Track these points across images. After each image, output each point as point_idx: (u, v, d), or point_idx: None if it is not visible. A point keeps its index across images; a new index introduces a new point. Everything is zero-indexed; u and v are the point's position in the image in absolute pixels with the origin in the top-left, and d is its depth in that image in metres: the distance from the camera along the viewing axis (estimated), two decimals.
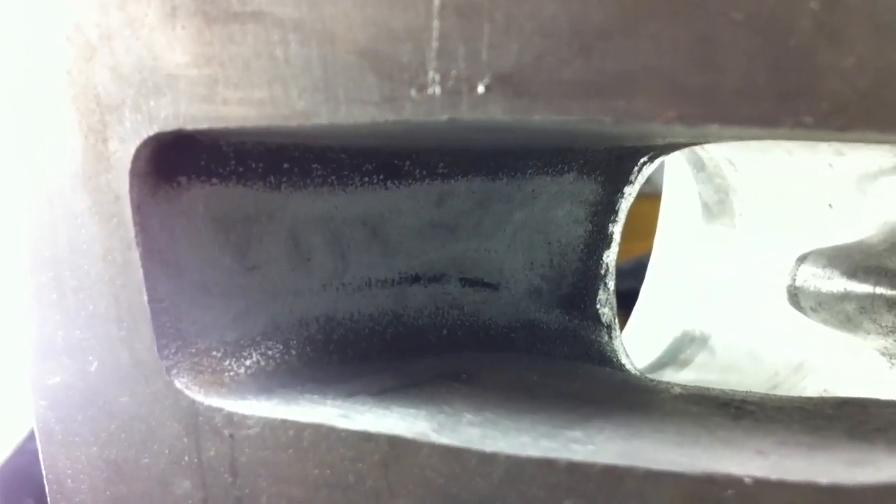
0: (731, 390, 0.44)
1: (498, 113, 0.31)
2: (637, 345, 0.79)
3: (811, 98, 0.27)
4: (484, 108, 0.31)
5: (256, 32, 0.34)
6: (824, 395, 0.70)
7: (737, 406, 0.40)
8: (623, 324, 0.59)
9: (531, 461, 0.33)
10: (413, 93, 0.32)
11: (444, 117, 0.32)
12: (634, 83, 0.29)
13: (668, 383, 0.47)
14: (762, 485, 0.30)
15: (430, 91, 0.32)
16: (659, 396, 0.44)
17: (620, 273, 0.59)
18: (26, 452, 0.88)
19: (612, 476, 0.31)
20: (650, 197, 0.60)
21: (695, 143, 0.64)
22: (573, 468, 0.32)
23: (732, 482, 0.30)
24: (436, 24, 0.31)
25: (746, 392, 0.43)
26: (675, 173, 0.83)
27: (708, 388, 0.44)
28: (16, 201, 0.41)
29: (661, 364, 0.79)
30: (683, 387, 0.45)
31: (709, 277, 0.80)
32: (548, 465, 0.32)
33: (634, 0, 0.29)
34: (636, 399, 0.44)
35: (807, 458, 0.32)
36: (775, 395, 0.43)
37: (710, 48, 0.28)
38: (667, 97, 0.29)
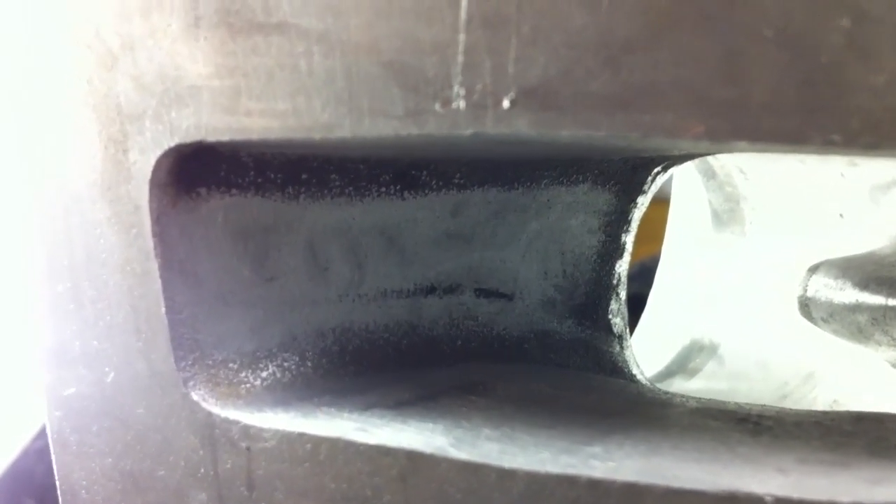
0: (748, 404, 0.43)
1: (523, 127, 0.30)
2: (646, 353, 0.79)
3: (841, 115, 0.27)
4: (509, 122, 0.31)
5: (280, 44, 0.33)
6: (835, 405, 0.70)
7: (754, 421, 0.40)
8: (629, 328, 0.59)
9: (551, 477, 0.32)
10: (437, 107, 0.31)
11: (469, 132, 0.31)
12: (662, 97, 0.29)
13: (684, 396, 0.47)
14: None
15: (454, 105, 0.31)
16: (675, 410, 0.43)
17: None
18: (28, 454, 0.87)
19: (633, 493, 0.31)
20: (655, 201, 0.60)
21: (712, 154, 0.64)
22: (593, 485, 0.32)
23: (753, 501, 0.29)
24: (462, 37, 0.31)
25: (763, 406, 0.43)
26: (684, 181, 0.83)
27: (724, 402, 0.44)
28: (34, 210, 0.41)
29: (670, 373, 0.79)
30: (699, 400, 0.45)
31: (718, 285, 0.80)
32: (568, 481, 0.32)
33: (663, 13, 0.28)
34: (653, 413, 0.43)
35: (827, 475, 0.32)
36: (792, 410, 0.43)
37: (739, 63, 0.28)
38: (694, 112, 0.28)
